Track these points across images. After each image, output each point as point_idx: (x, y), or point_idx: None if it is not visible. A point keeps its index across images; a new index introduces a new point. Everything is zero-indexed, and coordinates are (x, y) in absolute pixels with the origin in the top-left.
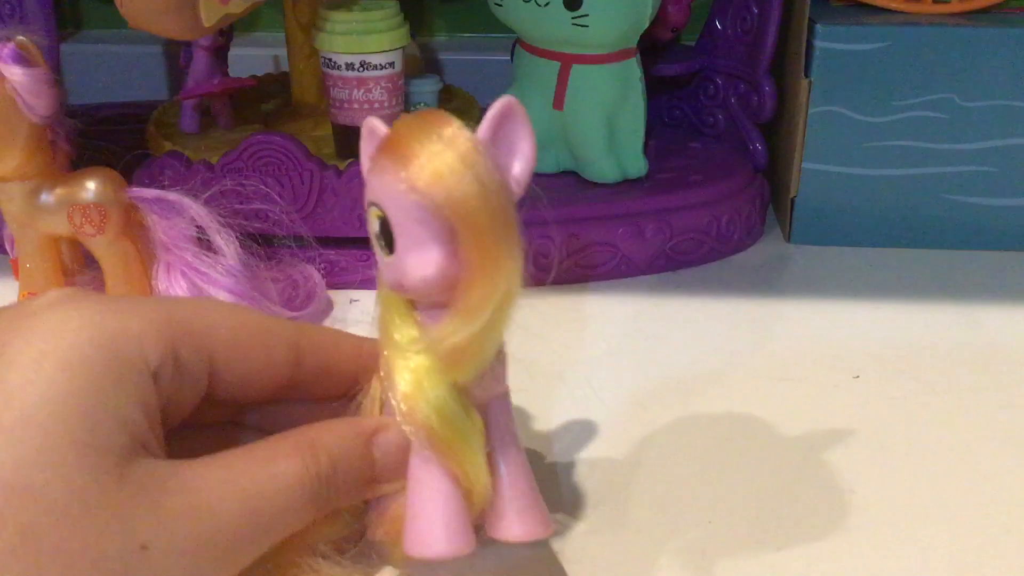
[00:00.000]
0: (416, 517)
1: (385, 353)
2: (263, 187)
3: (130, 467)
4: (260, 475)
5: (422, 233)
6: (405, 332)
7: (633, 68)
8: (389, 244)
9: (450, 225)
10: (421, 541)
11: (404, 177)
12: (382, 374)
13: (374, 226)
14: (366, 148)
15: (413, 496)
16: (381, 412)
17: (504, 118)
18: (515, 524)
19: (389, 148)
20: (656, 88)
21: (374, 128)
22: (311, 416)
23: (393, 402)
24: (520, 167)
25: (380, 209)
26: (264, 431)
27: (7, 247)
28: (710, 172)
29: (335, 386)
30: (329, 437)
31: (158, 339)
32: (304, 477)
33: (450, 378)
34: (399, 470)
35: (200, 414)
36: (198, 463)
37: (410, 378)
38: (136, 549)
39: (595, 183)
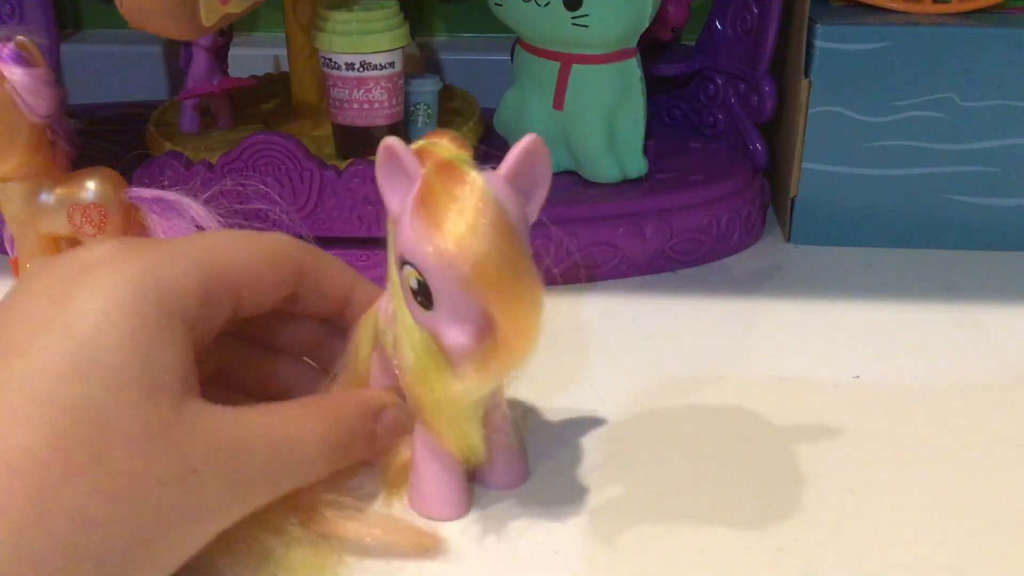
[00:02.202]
0: (420, 481)
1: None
2: (263, 187)
3: (183, 406)
4: (291, 429)
5: (461, 305)
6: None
7: (633, 68)
8: (428, 303)
9: (482, 300)
10: (424, 503)
11: (441, 250)
12: (382, 326)
13: (411, 283)
14: (384, 170)
15: (418, 461)
16: (372, 350)
17: (529, 155)
18: (500, 476)
19: (422, 209)
20: (656, 88)
21: (396, 153)
22: (308, 334)
23: (396, 371)
24: (533, 207)
25: (418, 272)
26: (264, 344)
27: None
28: (710, 172)
29: (329, 304)
30: (350, 410)
31: (195, 288)
32: (326, 438)
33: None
34: (392, 442)
35: None
36: (239, 410)
37: (414, 360)
38: (189, 472)
39: (595, 183)
